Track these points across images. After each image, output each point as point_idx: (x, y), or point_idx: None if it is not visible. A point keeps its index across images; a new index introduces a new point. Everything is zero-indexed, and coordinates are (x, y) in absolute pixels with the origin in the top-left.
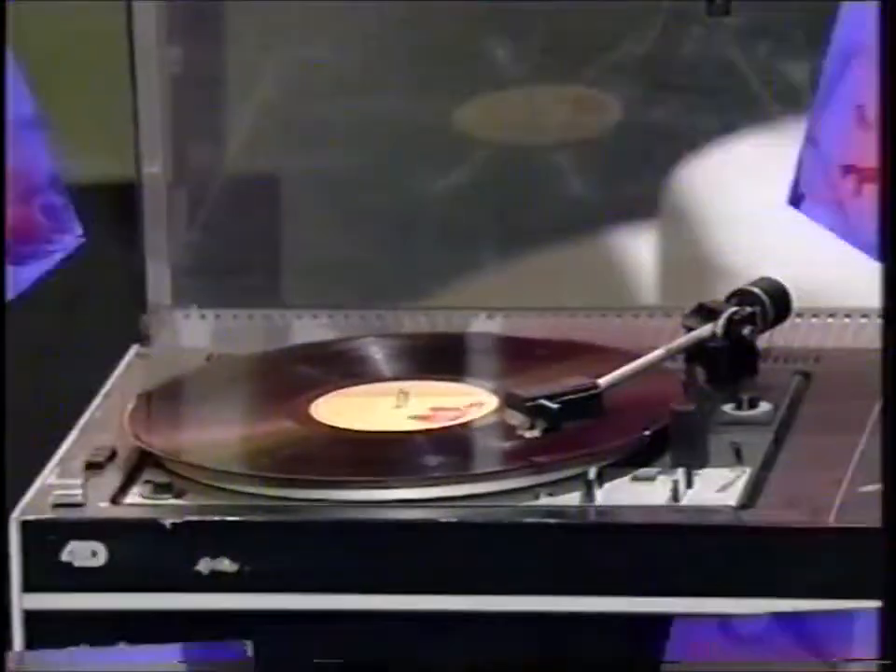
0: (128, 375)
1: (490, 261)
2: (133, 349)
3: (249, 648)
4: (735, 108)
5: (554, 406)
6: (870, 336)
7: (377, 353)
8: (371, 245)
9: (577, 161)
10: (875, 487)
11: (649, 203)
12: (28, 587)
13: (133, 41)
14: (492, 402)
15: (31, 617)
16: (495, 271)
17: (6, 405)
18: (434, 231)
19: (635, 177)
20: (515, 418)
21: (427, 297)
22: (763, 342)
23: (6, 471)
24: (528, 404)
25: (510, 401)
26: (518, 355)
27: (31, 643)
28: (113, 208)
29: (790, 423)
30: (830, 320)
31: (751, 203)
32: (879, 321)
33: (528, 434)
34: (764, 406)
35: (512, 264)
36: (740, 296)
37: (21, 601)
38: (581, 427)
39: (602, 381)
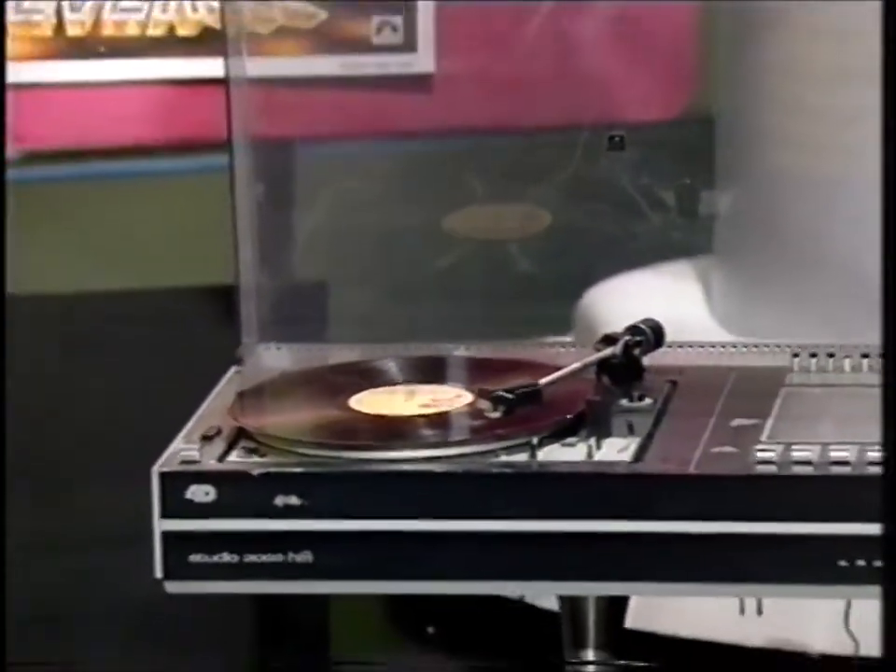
0: (229, 384)
1: (469, 314)
2: (233, 369)
3: (311, 556)
4: (630, 221)
5: (510, 396)
6: (715, 360)
7: (393, 368)
8: (389, 305)
9: (524, 251)
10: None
11: (576, 282)
12: (164, 515)
13: (233, 180)
14: (469, 397)
15: (166, 535)
16: (472, 320)
17: (6, 405)
18: (432, 297)
19: (565, 258)
20: (484, 405)
21: (426, 338)
22: (647, 360)
23: (6, 467)
24: (493, 395)
25: (481, 394)
26: (487, 368)
27: (165, 553)
28: (222, 295)
29: (664, 411)
30: (689, 349)
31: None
32: (722, 349)
33: (493, 415)
34: (648, 400)
35: (483, 317)
36: (633, 329)
37: (160, 525)
38: (528, 411)
39: (541, 381)
